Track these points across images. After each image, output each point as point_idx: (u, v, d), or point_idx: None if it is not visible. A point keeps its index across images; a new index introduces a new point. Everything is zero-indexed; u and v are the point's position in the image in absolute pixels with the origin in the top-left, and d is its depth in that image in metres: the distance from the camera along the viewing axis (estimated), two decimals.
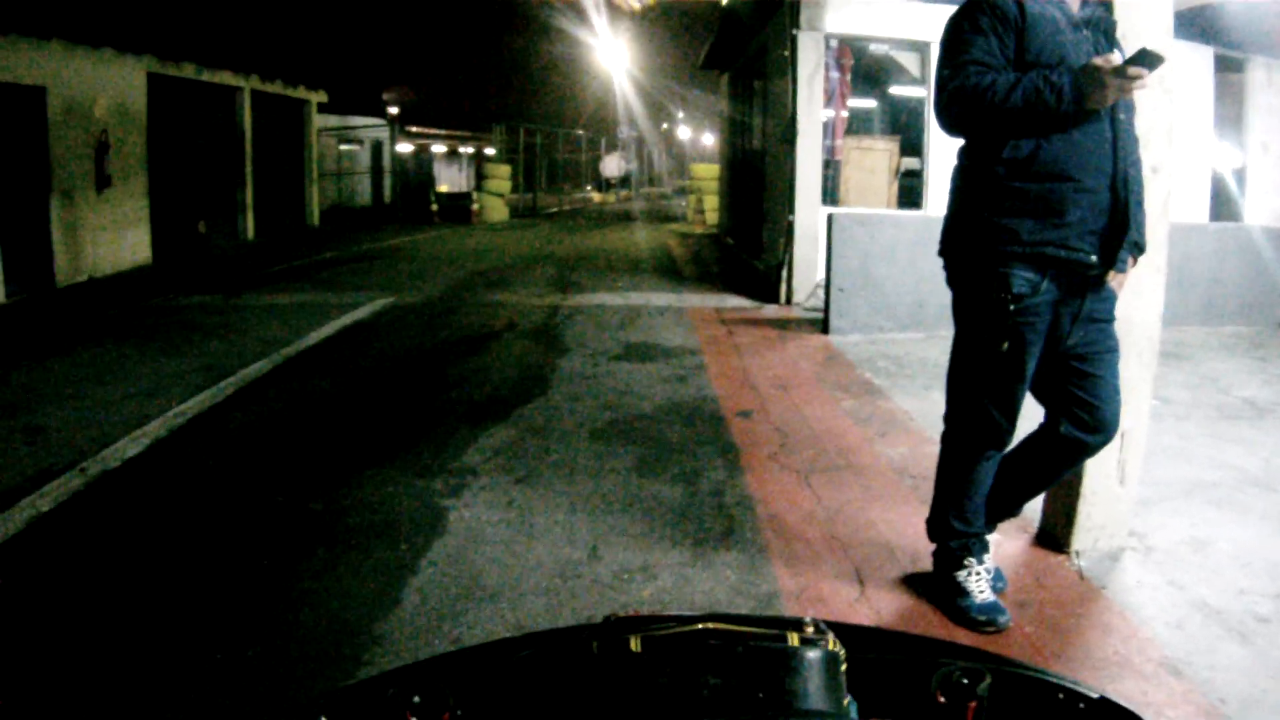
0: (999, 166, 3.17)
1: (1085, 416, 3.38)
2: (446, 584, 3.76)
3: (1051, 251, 3.13)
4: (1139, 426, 4.10)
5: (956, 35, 3.22)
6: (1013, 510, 3.76)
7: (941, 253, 3.48)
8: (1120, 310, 3.52)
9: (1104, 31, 3.27)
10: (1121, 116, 3.16)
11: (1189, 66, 11.88)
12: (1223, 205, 12.79)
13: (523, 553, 4.05)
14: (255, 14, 20.11)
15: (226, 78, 19.49)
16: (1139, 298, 3.98)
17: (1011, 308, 3.20)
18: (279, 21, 21.43)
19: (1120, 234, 3.16)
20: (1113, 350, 3.41)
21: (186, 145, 18.05)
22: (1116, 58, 2.91)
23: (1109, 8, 3.61)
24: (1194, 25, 11.38)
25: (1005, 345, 3.25)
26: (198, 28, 17.74)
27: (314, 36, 24.00)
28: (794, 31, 11.10)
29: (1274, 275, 11.09)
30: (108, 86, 14.87)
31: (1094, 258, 3.17)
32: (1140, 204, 3.26)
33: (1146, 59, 2.90)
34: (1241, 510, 4.83)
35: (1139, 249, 3.33)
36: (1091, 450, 3.49)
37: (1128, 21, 3.74)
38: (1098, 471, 4.01)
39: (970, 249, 3.33)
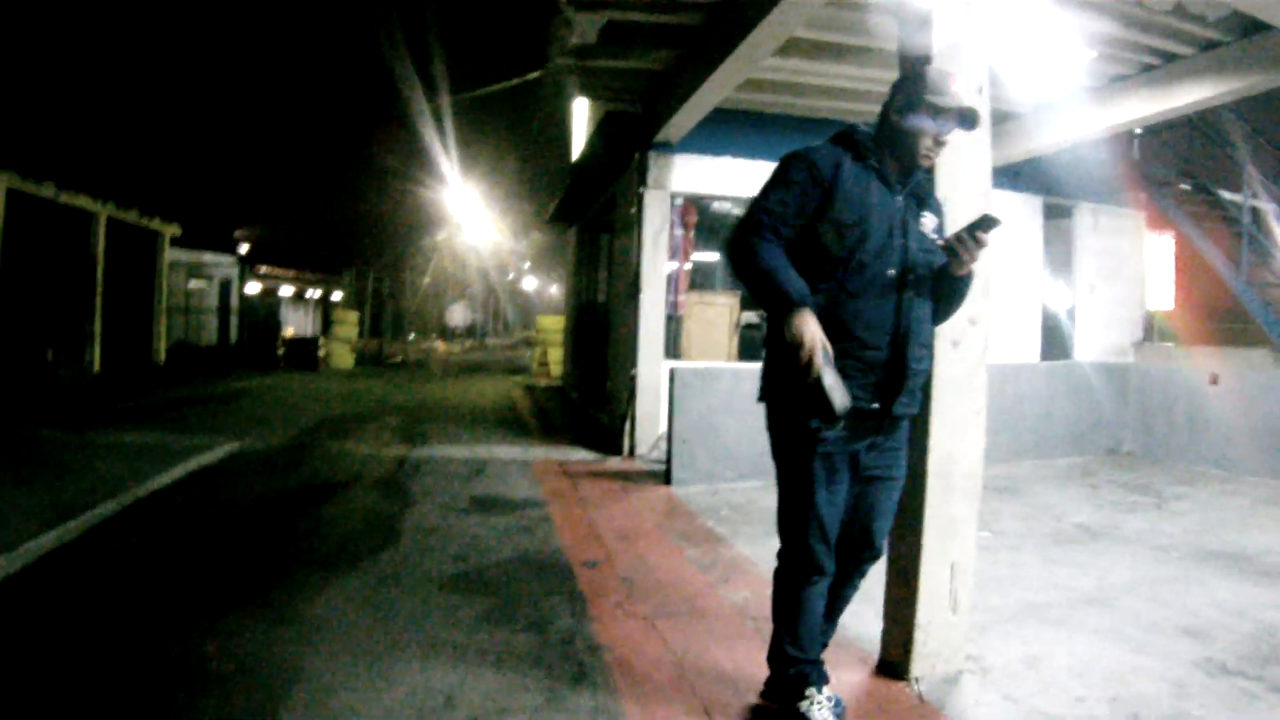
0: None
1: (858, 536, 3.77)
2: None
3: None
4: (967, 557, 4.36)
5: (773, 179, 3.61)
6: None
7: (760, 399, 3.79)
8: (945, 451, 3.88)
9: (918, 198, 3.65)
10: (909, 292, 3.52)
11: (1021, 214, 12.74)
12: (1055, 342, 13.54)
13: (378, 701, 4.01)
14: (117, 140, 19.98)
15: (84, 202, 19.16)
16: (961, 439, 4.30)
17: (812, 448, 3.55)
18: (139, 149, 21.30)
19: (898, 385, 3.52)
20: (894, 478, 3.78)
21: (39, 269, 17.63)
22: (816, 336, 3.30)
23: (930, 174, 4.06)
24: (1025, 175, 12.24)
25: (813, 480, 3.57)
26: (61, 147, 17.54)
27: (172, 167, 23.87)
28: (640, 189, 11.44)
29: (1102, 407, 11.88)
30: None
31: (875, 405, 3.52)
32: (921, 357, 3.61)
33: (986, 223, 3.35)
34: (1075, 626, 5.18)
35: (915, 396, 3.67)
36: (864, 566, 3.89)
37: (952, 184, 4.18)
38: (930, 602, 4.25)
39: (777, 396, 3.68)
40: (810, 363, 3.25)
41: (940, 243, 3.63)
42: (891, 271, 3.51)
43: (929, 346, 3.71)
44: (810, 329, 3.27)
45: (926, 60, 4.27)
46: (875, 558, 3.86)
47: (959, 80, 3.62)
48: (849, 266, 3.47)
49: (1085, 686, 4.28)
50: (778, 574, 3.83)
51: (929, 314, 3.66)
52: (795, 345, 3.27)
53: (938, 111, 3.53)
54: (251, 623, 5.06)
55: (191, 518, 7.78)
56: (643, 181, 11.46)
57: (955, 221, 3.86)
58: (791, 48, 8.70)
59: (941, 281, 3.63)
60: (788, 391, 3.58)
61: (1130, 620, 5.37)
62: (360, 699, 4.07)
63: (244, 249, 33.21)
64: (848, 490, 3.67)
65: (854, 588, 3.96)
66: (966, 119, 3.55)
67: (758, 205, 3.57)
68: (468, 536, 7.20)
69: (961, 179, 4.32)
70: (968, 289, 3.71)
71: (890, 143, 3.64)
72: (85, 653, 4.62)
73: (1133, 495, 9.30)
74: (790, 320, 3.30)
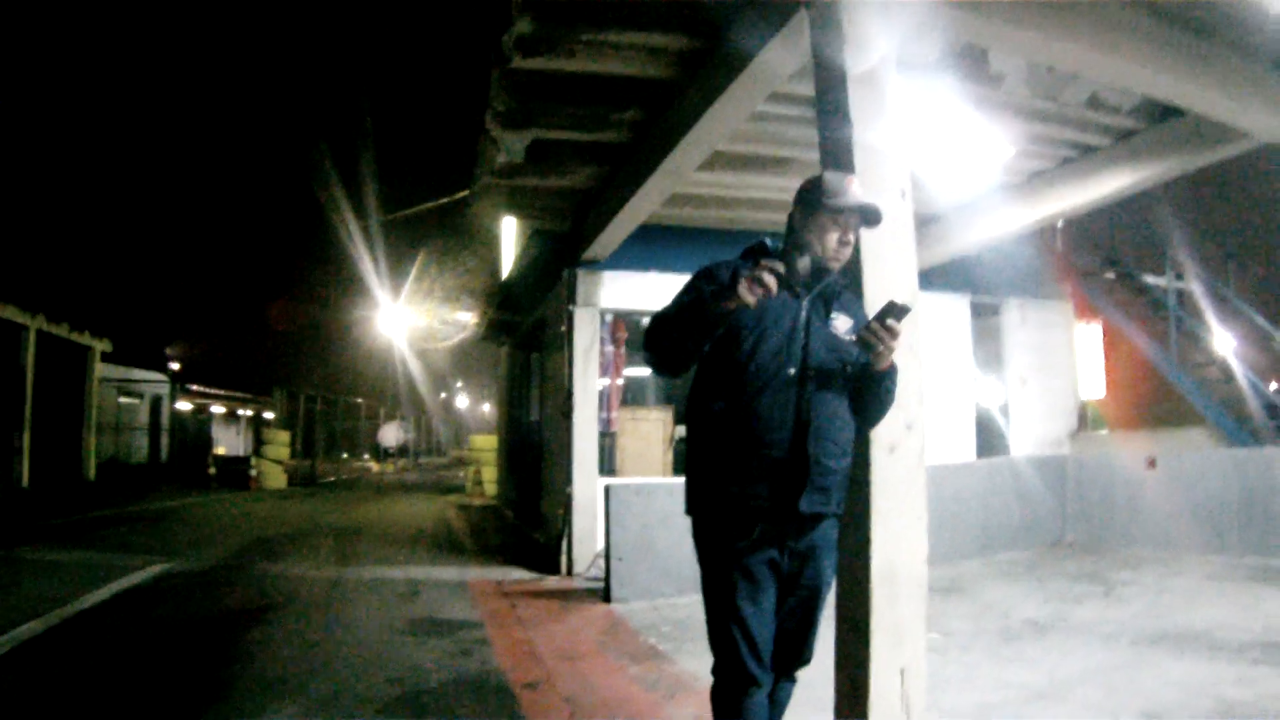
0: (699, 427, 3.61)
1: (784, 644, 3.65)
2: None
3: (745, 502, 3.45)
4: (917, 662, 4.26)
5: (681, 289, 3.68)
6: None
7: (686, 512, 3.73)
8: (888, 557, 3.79)
9: (827, 299, 3.65)
10: (811, 389, 3.50)
11: (949, 314, 12.94)
12: (990, 439, 13.66)
13: None
14: (46, 253, 19.92)
15: (14, 314, 18.99)
16: (904, 544, 4.24)
17: (727, 556, 3.51)
18: (69, 263, 21.24)
19: (802, 479, 3.45)
20: (820, 585, 3.67)
21: None
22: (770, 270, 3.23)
23: (847, 275, 4.02)
24: (951, 276, 12.37)
25: (734, 589, 3.49)
26: None
27: (104, 282, 23.81)
28: (570, 307, 11.46)
29: (1042, 500, 11.91)
30: None
31: (779, 502, 3.45)
32: (830, 454, 3.53)
33: (894, 310, 3.30)
34: None
35: (827, 494, 3.57)
36: (792, 675, 3.76)
37: (878, 289, 4.17)
38: (882, 710, 4.13)
39: (693, 506, 3.66)
40: (763, 276, 3.18)
41: (842, 332, 3.63)
42: (791, 370, 3.50)
43: (841, 444, 3.63)
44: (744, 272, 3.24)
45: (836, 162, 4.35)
46: (805, 664, 3.76)
47: (856, 181, 3.70)
48: (748, 369, 3.49)
49: None
50: (714, 690, 3.70)
51: (840, 411, 3.62)
52: (755, 283, 3.18)
53: (837, 212, 3.60)
54: None
55: (120, 640, 7.56)
56: (572, 298, 11.51)
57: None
58: (716, 161, 8.83)
59: (865, 380, 3.61)
60: (705, 502, 3.59)
61: (1087, 712, 5.33)
62: None
63: (175, 367, 33.00)
64: (774, 599, 3.58)
65: (788, 694, 3.85)
66: (868, 216, 3.63)
67: (663, 308, 3.63)
68: (405, 660, 6.99)
69: (887, 284, 4.33)
70: (892, 387, 3.68)
71: (797, 247, 3.70)
72: None
73: (1079, 585, 9.26)
74: (731, 290, 3.23)
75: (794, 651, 3.68)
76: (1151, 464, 11.35)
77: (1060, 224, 13.83)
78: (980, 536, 11.29)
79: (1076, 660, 6.48)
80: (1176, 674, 6.00)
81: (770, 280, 3.17)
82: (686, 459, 3.71)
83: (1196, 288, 14.06)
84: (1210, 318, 13.94)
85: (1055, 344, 14.19)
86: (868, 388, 3.61)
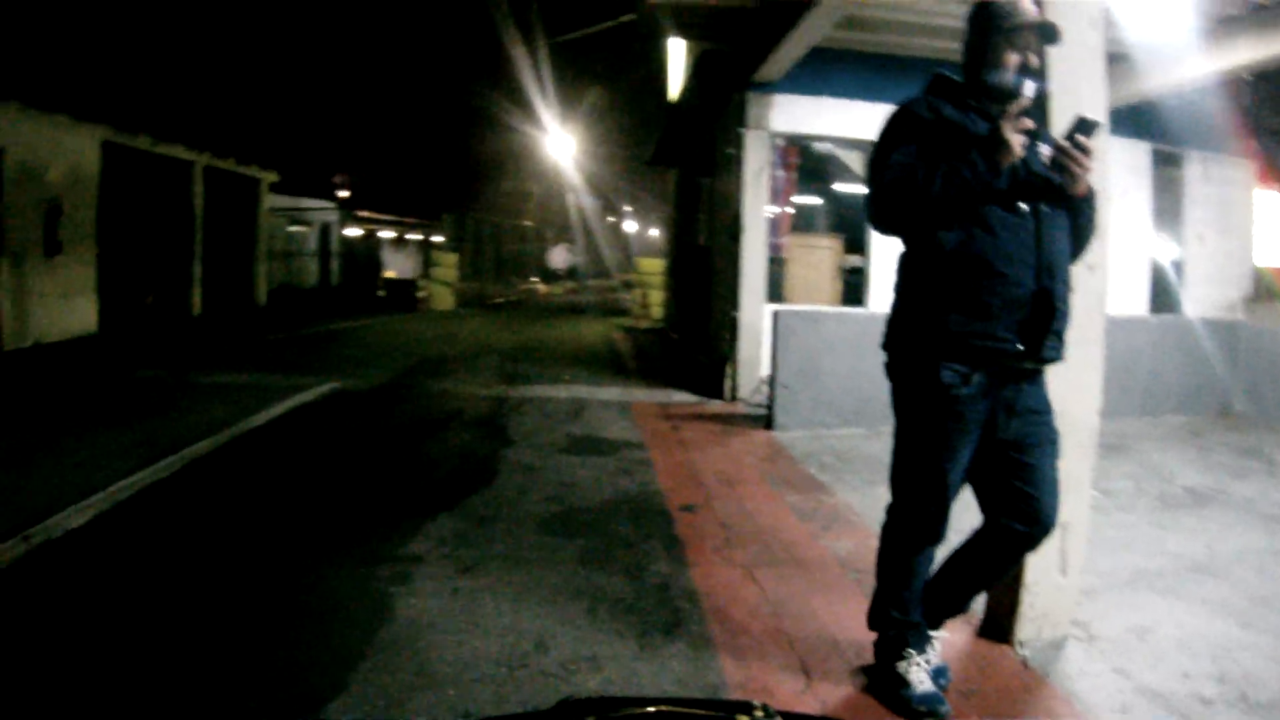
0: (928, 262, 3.34)
1: (1024, 509, 3.41)
2: (394, 670, 3.69)
3: (978, 343, 3.23)
4: (1080, 518, 4.17)
5: (880, 144, 3.46)
6: (960, 608, 3.78)
7: (884, 346, 3.57)
8: (1059, 404, 3.61)
9: (1030, 131, 3.29)
10: (1045, 223, 3.29)
11: (1127, 161, 12.37)
12: (1162, 296, 13.21)
13: (469, 642, 3.99)
14: (210, 91, 20.28)
15: (180, 152, 19.65)
16: (1078, 392, 4.08)
17: (941, 401, 3.31)
18: (233, 100, 21.60)
19: (1046, 323, 3.26)
20: (1051, 441, 3.47)
21: (138, 216, 18.20)
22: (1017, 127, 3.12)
23: (1039, 107, 3.83)
24: (1132, 121, 11.81)
25: (938, 437, 3.36)
26: (153, 100, 17.87)
27: (268, 117, 24.17)
28: (741, 130, 11.33)
29: (1212, 365, 11.43)
30: (62, 152, 15.06)
31: (1019, 347, 3.25)
32: (1066, 294, 3.34)
33: (1084, 126, 3.14)
34: (1184, 597, 4.95)
35: (1062, 339, 3.38)
36: (1032, 544, 3.50)
37: (1067, 118, 3.98)
38: (1039, 563, 4.04)
39: (904, 343, 3.46)
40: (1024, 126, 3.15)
41: (1047, 163, 3.34)
42: (1023, 204, 3.28)
43: (1070, 284, 3.41)
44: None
45: None
46: (1045, 532, 3.49)
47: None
48: (983, 204, 3.25)
49: (1192, 661, 4.07)
50: (886, 533, 3.65)
51: (1066, 249, 3.42)
52: (1006, 139, 3.13)
53: (1013, 33, 3.35)
54: (345, 562, 5.11)
55: (287, 457, 7.94)
56: (742, 122, 11.34)
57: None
58: None
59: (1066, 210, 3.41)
60: (921, 340, 3.38)
61: (1239, 592, 5.11)
62: (451, 639, 4.06)
63: (343, 195, 33.59)
64: (971, 455, 3.42)
65: (1015, 566, 3.78)
66: (1046, 33, 3.37)
67: (883, 167, 3.40)
68: (566, 477, 7.22)
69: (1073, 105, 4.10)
70: (1092, 214, 3.48)
71: (981, 80, 3.45)
72: (178, 587, 4.70)
73: (1242, 459, 8.95)
74: (985, 145, 3.17)
75: (1032, 517, 3.43)
76: None
77: (1251, 78, 13.05)
78: (1147, 395, 10.96)
79: (1234, 537, 6.25)
80: None
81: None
82: (904, 293, 3.49)
83: None
84: None
85: (1236, 203, 13.53)
86: (1070, 218, 3.42)
